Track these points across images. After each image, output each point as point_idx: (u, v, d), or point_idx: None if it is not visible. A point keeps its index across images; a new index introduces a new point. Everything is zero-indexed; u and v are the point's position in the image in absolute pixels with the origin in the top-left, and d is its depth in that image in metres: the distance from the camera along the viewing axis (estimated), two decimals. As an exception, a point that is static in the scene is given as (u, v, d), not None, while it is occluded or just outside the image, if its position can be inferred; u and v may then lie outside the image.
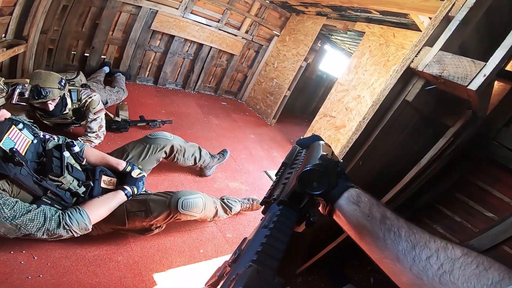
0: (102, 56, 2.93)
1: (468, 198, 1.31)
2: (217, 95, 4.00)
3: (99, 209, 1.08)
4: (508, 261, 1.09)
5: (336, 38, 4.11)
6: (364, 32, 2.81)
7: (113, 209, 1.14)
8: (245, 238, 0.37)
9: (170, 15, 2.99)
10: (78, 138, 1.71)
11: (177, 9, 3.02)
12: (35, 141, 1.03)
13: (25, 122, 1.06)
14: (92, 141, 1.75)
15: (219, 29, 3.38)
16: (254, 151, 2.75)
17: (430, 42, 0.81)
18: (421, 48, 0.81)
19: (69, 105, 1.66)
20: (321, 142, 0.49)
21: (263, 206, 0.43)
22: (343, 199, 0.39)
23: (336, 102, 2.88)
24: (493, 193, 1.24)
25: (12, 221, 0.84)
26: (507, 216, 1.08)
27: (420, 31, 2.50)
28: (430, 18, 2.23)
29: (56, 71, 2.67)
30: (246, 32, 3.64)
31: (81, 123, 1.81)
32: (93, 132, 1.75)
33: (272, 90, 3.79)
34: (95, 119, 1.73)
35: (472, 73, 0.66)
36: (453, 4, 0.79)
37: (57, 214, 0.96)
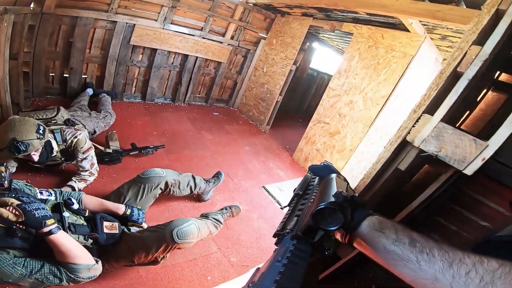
0: (83, 76, 2.79)
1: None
2: (208, 105, 3.91)
3: None
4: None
5: (324, 36, 4.02)
6: (352, 33, 2.76)
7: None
8: (257, 269, 0.37)
9: (149, 28, 2.84)
10: (72, 178, 1.66)
11: (156, 20, 2.87)
12: None
13: (17, 187, 1.02)
14: (86, 180, 1.71)
15: (203, 38, 3.24)
16: (250, 165, 2.74)
17: (431, 108, 0.69)
18: (420, 115, 0.70)
19: (56, 148, 1.60)
20: (334, 176, 0.49)
21: (276, 238, 0.43)
22: (364, 227, 0.40)
23: (329, 108, 2.86)
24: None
25: (30, 276, 0.87)
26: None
27: (408, 31, 2.41)
28: (420, 21, 2.14)
29: (37, 95, 2.56)
30: (232, 38, 3.51)
31: (72, 162, 1.75)
32: (86, 171, 1.70)
33: (264, 96, 3.73)
34: (85, 158, 1.68)
35: (471, 156, 0.59)
36: (465, 55, 0.63)
37: None
